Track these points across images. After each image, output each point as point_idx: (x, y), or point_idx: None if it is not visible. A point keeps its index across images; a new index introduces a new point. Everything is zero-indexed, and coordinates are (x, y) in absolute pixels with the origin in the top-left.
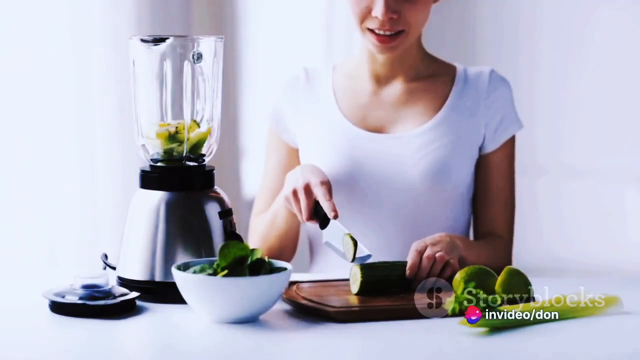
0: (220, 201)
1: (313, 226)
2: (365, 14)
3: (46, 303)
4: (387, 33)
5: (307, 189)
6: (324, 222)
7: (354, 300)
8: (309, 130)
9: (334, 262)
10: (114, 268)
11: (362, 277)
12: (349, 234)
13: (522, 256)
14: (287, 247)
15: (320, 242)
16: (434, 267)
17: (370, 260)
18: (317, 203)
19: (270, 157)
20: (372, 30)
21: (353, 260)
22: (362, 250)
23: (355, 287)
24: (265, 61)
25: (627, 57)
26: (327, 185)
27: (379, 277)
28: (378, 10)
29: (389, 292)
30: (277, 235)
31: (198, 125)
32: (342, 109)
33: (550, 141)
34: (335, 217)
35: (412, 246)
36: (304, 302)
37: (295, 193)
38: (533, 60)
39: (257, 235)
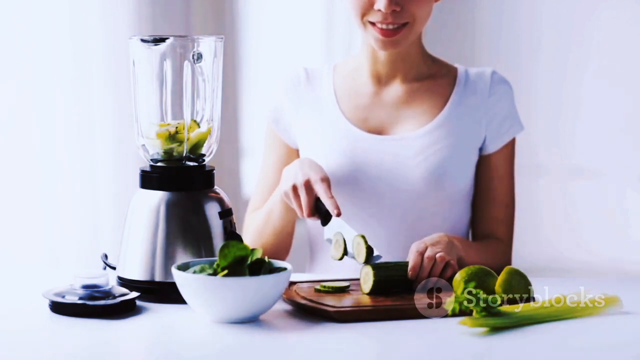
0: (220, 201)
1: (313, 226)
2: (367, 8)
3: (46, 303)
4: (390, 27)
5: (308, 185)
6: (325, 219)
7: (354, 300)
8: (310, 131)
9: (333, 263)
10: (114, 268)
11: (374, 276)
12: (361, 235)
13: (522, 256)
14: (282, 244)
15: (320, 242)
16: (435, 268)
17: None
18: (317, 199)
19: (269, 156)
20: (374, 24)
21: (366, 262)
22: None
23: (367, 286)
24: (265, 61)
25: (627, 57)
26: (327, 181)
27: (390, 277)
28: (381, 3)
29: (391, 292)
30: (272, 231)
31: (198, 125)
32: (343, 110)
33: (550, 141)
34: (339, 214)
35: (412, 247)
36: (303, 302)
37: (295, 189)
38: (533, 60)
39: (252, 231)
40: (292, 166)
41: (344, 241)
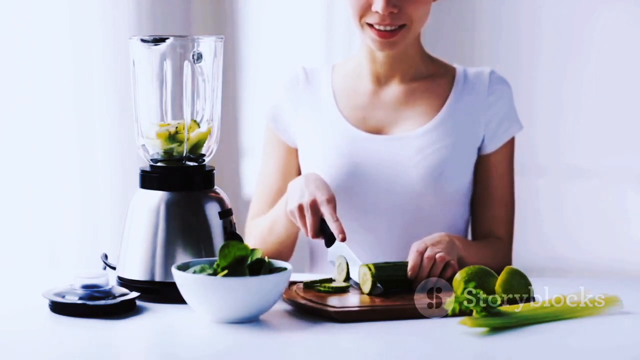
0: (220, 201)
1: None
2: (365, 9)
3: (46, 303)
4: (388, 28)
5: (314, 206)
6: (329, 241)
7: (353, 301)
8: (309, 131)
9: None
10: (114, 268)
11: (372, 277)
12: (367, 266)
13: (522, 256)
14: (284, 252)
15: (320, 243)
16: (435, 268)
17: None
18: (322, 220)
19: (269, 158)
20: (371, 26)
21: (369, 293)
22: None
23: (366, 287)
24: (265, 61)
25: (627, 57)
26: (333, 202)
27: (388, 277)
28: (378, 5)
29: (391, 292)
30: (276, 241)
31: (198, 125)
32: (342, 110)
33: (550, 141)
34: (343, 239)
35: (412, 247)
36: (304, 302)
37: (301, 209)
38: (533, 60)
39: (255, 240)
40: (298, 183)
41: (347, 265)
